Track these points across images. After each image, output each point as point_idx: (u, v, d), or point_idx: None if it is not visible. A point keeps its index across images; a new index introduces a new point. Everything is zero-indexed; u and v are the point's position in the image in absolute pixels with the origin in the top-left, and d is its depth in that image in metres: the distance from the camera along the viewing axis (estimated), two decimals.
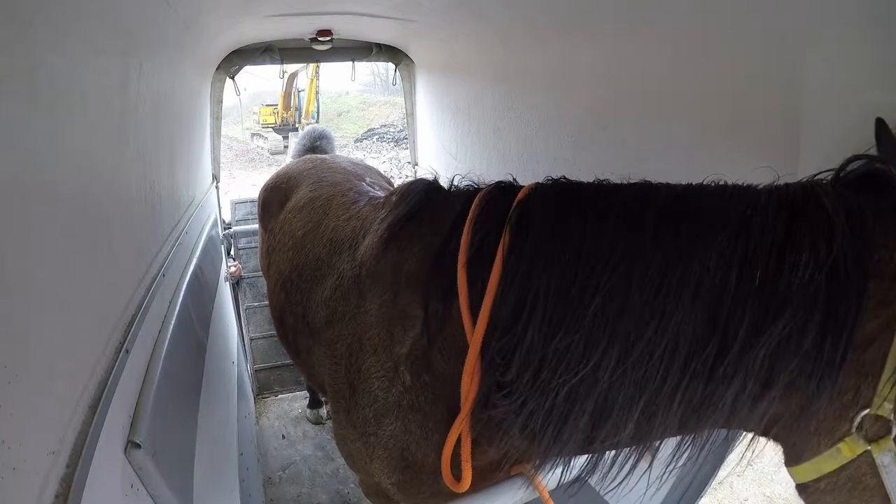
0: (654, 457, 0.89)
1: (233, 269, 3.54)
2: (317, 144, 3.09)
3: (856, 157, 0.72)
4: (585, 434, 0.85)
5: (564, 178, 0.99)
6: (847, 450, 0.64)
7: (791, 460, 0.74)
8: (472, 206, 1.03)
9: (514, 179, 1.09)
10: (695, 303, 0.70)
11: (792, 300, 0.63)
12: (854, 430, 0.63)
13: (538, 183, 1.00)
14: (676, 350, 0.71)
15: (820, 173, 0.75)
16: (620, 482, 0.88)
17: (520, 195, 0.97)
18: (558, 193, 0.94)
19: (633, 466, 0.87)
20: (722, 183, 0.80)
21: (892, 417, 0.59)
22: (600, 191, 0.90)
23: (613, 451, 0.88)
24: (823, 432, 0.67)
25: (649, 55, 1.42)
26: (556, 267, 0.83)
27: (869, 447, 0.61)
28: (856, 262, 0.61)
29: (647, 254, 0.75)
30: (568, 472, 0.98)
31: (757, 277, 0.66)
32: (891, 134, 0.73)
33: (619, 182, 0.91)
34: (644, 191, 0.84)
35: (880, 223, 0.63)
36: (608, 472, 0.89)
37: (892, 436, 0.60)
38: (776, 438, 0.76)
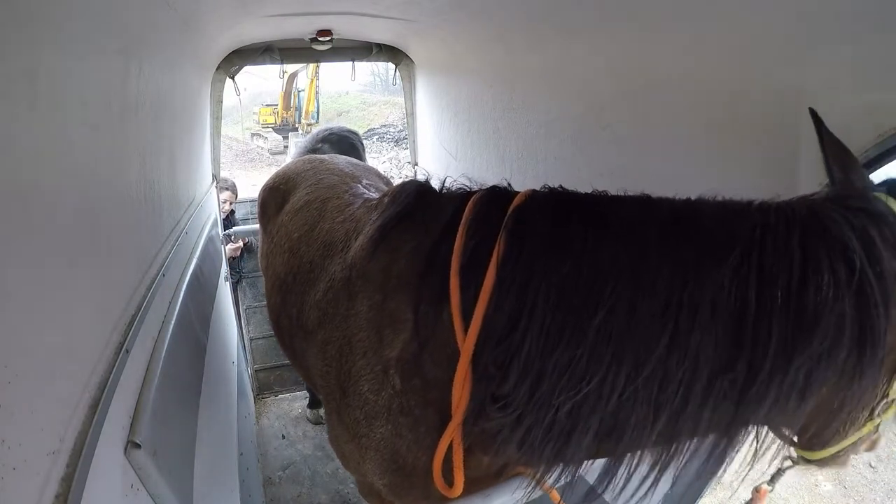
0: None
1: (231, 247, 3.46)
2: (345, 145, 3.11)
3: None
4: (591, 451, 0.84)
5: (561, 186, 0.98)
6: (867, 429, 0.77)
7: (812, 447, 0.80)
8: (466, 209, 1.02)
9: (510, 185, 1.09)
10: (713, 321, 0.70)
11: (821, 319, 0.66)
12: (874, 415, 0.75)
13: (534, 190, 0.99)
14: (697, 369, 0.71)
15: (808, 195, 0.77)
16: (635, 495, 0.86)
17: (516, 201, 0.97)
18: (556, 202, 0.93)
19: (655, 482, 0.83)
20: (718, 198, 0.80)
21: None
22: (599, 202, 0.90)
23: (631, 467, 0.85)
24: (850, 423, 0.76)
25: (649, 55, 1.42)
26: (554, 277, 0.82)
27: (880, 419, 0.76)
28: (879, 281, 0.65)
29: (653, 268, 0.75)
30: (572, 479, 0.96)
31: (778, 297, 0.67)
32: (823, 125, 0.81)
33: (616, 194, 0.90)
34: (644, 204, 0.83)
35: (883, 242, 0.67)
36: (624, 486, 0.86)
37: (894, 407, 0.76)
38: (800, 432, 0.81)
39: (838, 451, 0.79)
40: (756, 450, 0.79)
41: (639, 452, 0.81)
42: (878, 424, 0.77)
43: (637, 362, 0.74)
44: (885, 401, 0.72)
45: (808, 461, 0.82)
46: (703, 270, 0.71)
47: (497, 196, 1.04)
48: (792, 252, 0.67)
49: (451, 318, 0.95)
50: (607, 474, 0.86)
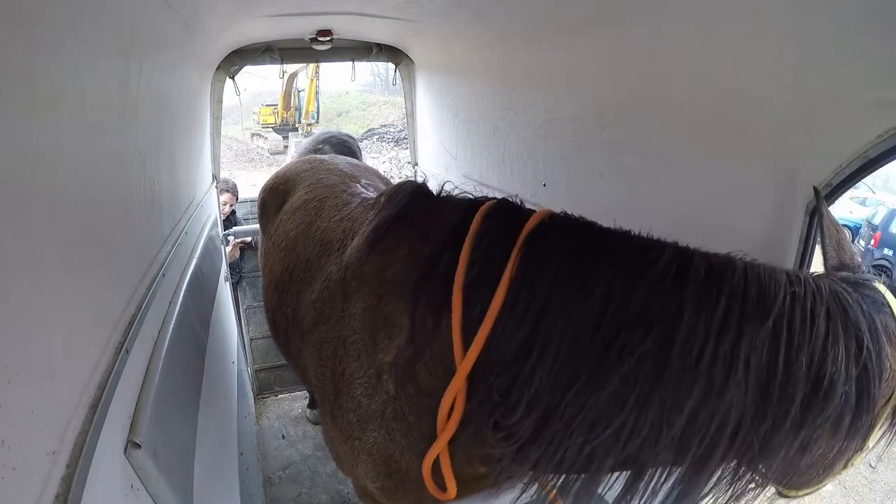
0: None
1: (228, 250, 3.47)
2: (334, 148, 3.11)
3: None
4: (603, 479, 0.85)
5: (582, 216, 0.97)
6: (841, 474, 0.84)
7: (793, 487, 0.85)
8: (474, 222, 1.00)
9: (522, 201, 1.07)
10: (746, 377, 0.74)
11: (836, 387, 0.73)
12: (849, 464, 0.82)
13: (551, 213, 0.98)
14: (727, 421, 0.75)
15: (823, 274, 0.86)
16: None
17: (531, 223, 0.95)
18: (578, 237, 0.92)
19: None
20: (746, 259, 0.83)
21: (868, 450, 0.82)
22: (623, 242, 0.89)
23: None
24: (828, 470, 0.82)
25: (650, 55, 1.42)
26: (574, 317, 0.82)
27: (852, 466, 0.83)
28: (877, 359, 0.74)
29: (688, 322, 0.77)
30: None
31: (804, 362, 0.73)
32: (825, 205, 0.94)
33: (643, 236, 0.90)
34: (679, 255, 0.84)
35: (882, 326, 0.76)
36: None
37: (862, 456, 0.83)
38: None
39: (812, 491, 0.88)
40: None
41: (654, 485, 0.84)
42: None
43: (664, 410, 0.76)
44: (860, 452, 0.80)
45: (785, 496, 0.88)
46: (741, 330, 0.75)
47: (509, 212, 1.02)
48: (818, 325, 0.74)
49: (451, 331, 0.94)
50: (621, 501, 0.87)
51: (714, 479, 0.80)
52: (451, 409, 0.96)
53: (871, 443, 0.79)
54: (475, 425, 0.93)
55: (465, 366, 0.91)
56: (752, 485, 0.81)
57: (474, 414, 0.92)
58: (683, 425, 0.76)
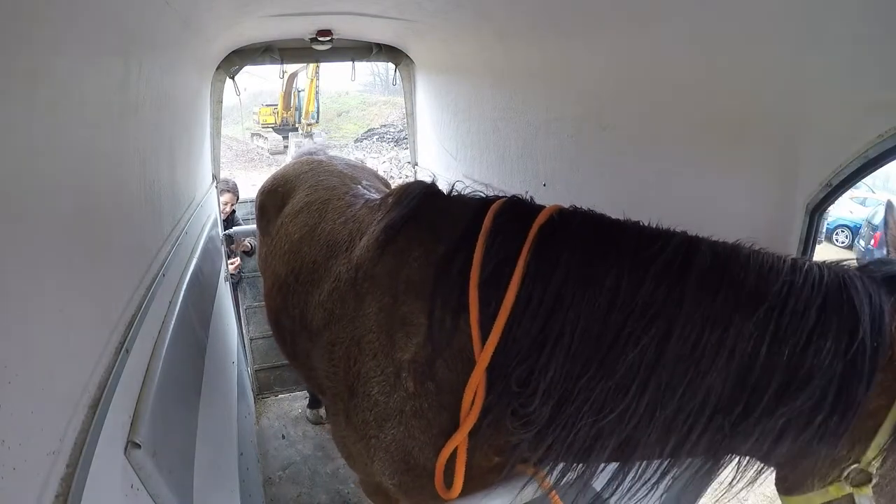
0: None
1: (232, 267, 3.53)
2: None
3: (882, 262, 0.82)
4: (603, 462, 0.89)
5: (591, 209, 0.99)
6: (835, 491, 0.77)
7: (784, 490, 0.84)
8: (486, 220, 1.02)
9: (531, 198, 1.09)
10: (728, 365, 0.76)
11: (812, 380, 0.72)
12: (843, 477, 0.75)
13: (560, 208, 1.00)
14: (706, 404, 0.78)
15: (845, 260, 0.83)
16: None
17: (541, 219, 0.97)
18: (586, 229, 0.94)
19: (654, 487, 0.90)
20: (753, 248, 0.84)
21: (873, 472, 0.73)
22: (631, 233, 0.91)
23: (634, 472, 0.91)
24: (817, 476, 0.78)
25: (649, 55, 1.42)
26: (586, 310, 0.86)
27: (853, 491, 0.74)
28: (871, 356, 0.70)
29: (687, 313, 0.79)
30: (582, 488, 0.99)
31: (785, 353, 0.73)
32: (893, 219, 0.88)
33: (648, 225, 0.92)
34: (685, 246, 0.85)
35: (893, 312, 0.72)
36: (627, 490, 0.91)
37: (871, 484, 0.73)
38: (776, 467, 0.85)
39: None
40: (736, 476, 0.86)
41: (644, 463, 0.87)
42: (850, 495, 0.75)
43: (659, 395, 0.80)
44: (855, 466, 0.74)
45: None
46: (731, 321, 0.77)
47: (519, 210, 1.04)
48: (808, 316, 0.74)
49: (470, 328, 0.97)
50: (613, 481, 0.90)
51: (692, 458, 0.84)
52: (472, 401, 0.99)
53: (870, 454, 0.71)
54: (494, 415, 0.96)
55: (483, 359, 0.94)
56: (733, 467, 0.85)
57: (494, 404, 0.95)
58: (675, 408, 0.80)
